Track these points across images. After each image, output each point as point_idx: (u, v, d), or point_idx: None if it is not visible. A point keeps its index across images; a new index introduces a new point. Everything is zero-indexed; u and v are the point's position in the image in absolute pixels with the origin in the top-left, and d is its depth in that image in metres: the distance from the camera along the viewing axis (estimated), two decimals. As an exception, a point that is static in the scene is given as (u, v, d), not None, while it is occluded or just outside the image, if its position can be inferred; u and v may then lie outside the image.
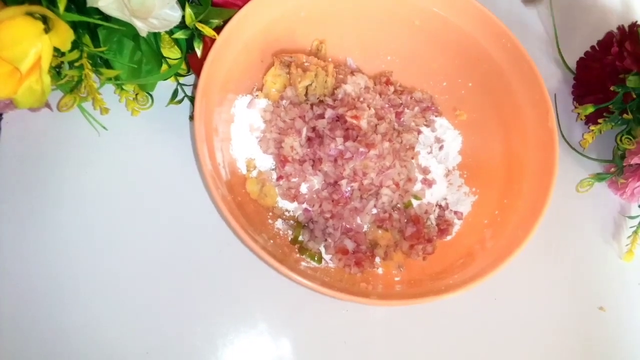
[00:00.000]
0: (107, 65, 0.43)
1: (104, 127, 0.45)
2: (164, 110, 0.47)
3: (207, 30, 0.41)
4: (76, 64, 0.39)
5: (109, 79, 0.42)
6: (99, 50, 0.40)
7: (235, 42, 0.44)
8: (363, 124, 0.45)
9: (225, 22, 0.43)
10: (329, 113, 0.46)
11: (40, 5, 0.36)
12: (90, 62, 0.39)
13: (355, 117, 0.45)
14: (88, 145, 0.46)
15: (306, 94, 0.48)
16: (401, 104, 0.51)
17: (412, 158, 0.49)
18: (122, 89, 0.44)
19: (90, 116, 0.44)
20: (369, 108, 0.47)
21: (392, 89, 0.51)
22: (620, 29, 0.55)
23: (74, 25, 0.38)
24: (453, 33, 0.50)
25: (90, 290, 0.42)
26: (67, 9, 0.37)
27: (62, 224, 0.44)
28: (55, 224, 0.43)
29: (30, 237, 0.43)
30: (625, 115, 0.52)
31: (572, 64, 0.58)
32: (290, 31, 0.49)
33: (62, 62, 0.39)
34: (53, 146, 0.46)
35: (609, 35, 0.55)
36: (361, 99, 0.48)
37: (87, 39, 0.40)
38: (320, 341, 0.45)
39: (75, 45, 0.38)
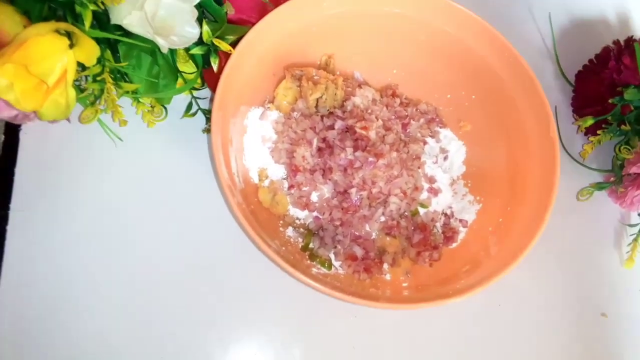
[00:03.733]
0: (124, 79, 0.44)
1: (120, 139, 0.46)
2: (178, 122, 0.48)
3: (224, 46, 0.42)
4: (98, 78, 0.40)
5: (127, 92, 0.43)
6: (119, 65, 0.42)
7: (249, 57, 0.46)
8: (372, 134, 0.47)
9: (239, 38, 0.44)
10: (338, 124, 0.48)
11: (65, 22, 0.38)
12: (112, 76, 0.41)
13: (365, 128, 0.47)
14: (105, 155, 0.47)
15: (316, 106, 0.50)
16: (407, 115, 0.52)
17: (419, 168, 0.50)
18: (139, 101, 0.46)
19: (107, 128, 0.45)
20: (377, 119, 0.49)
21: (398, 101, 0.52)
22: (617, 43, 0.56)
23: (96, 41, 0.40)
24: (457, 48, 0.52)
25: (107, 296, 0.43)
26: (90, 25, 0.38)
27: (79, 232, 0.44)
28: (72, 232, 0.44)
29: (47, 245, 0.43)
30: (623, 127, 0.53)
31: (572, 77, 0.60)
32: (301, 46, 0.51)
33: (82, 77, 0.41)
34: (70, 156, 0.47)
35: (606, 49, 0.57)
36: (369, 111, 0.50)
37: (108, 54, 0.41)
38: (330, 346, 0.46)
39: (98, 60, 0.40)
